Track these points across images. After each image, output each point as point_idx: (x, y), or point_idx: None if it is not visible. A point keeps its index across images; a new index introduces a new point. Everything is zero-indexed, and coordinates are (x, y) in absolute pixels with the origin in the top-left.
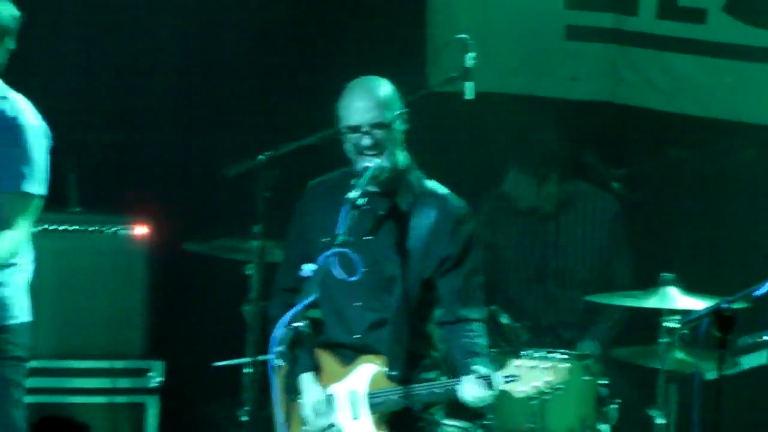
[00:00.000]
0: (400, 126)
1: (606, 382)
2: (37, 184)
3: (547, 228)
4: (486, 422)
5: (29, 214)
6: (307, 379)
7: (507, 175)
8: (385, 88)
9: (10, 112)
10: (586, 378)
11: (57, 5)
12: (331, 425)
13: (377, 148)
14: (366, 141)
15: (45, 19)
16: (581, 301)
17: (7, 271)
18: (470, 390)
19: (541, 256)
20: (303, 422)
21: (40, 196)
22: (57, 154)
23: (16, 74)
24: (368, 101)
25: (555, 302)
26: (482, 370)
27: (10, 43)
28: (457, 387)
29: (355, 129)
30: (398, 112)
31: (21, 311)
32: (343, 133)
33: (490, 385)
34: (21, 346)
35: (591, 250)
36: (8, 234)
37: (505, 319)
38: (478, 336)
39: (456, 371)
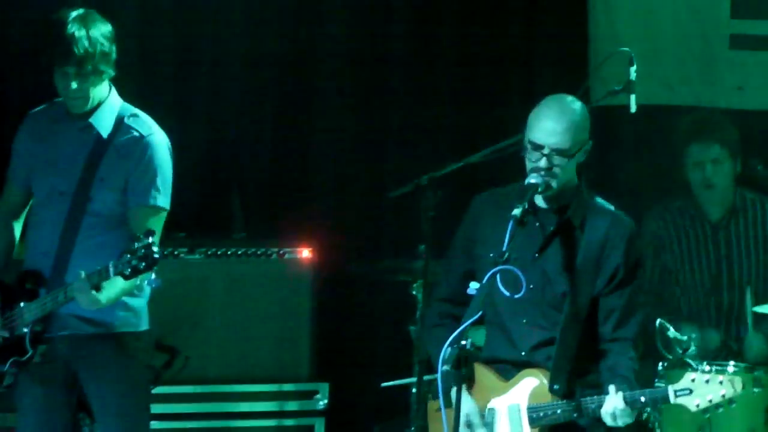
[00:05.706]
0: (580, 157)
1: None
2: (165, 199)
3: (718, 238)
4: None
5: (159, 228)
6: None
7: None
8: (579, 113)
9: (142, 130)
10: (757, 390)
11: (218, 25)
12: None
13: (551, 173)
14: (543, 163)
15: (206, 38)
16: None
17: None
18: (613, 406)
19: (716, 267)
20: None
21: (167, 211)
22: (221, 178)
23: (181, 96)
24: (559, 124)
25: (729, 314)
26: (616, 389)
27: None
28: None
29: (537, 147)
30: (583, 143)
31: (148, 319)
32: (525, 146)
33: (629, 404)
34: (150, 353)
35: (758, 261)
36: None
37: (671, 333)
38: (622, 354)
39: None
